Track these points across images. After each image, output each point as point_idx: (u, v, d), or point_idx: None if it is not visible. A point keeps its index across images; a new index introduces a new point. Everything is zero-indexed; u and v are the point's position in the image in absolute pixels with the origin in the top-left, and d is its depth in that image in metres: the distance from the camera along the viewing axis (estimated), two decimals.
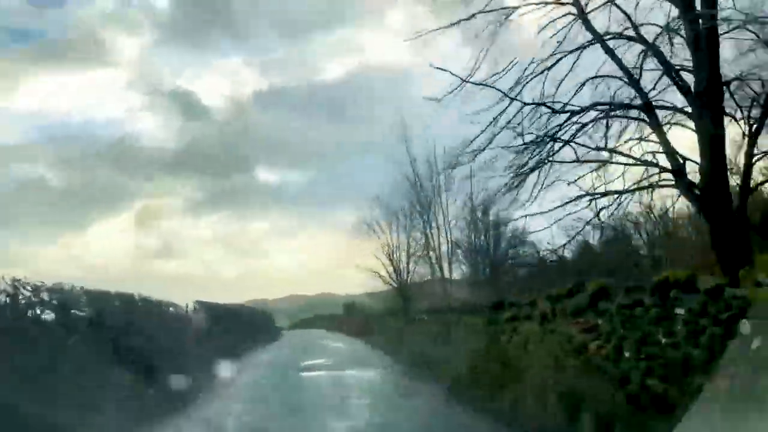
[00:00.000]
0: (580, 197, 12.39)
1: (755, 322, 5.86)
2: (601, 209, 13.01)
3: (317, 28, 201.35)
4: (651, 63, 12.03)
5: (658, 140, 12.22)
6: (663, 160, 12.21)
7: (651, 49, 11.73)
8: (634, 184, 12.72)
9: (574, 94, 12.45)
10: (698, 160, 11.65)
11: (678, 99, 12.14)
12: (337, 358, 24.40)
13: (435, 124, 33.03)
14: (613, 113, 12.63)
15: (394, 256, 35.81)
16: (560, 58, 12.35)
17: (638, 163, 12.47)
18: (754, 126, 11.73)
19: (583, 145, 12.68)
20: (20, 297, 9.56)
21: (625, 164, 12.62)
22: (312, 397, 14.44)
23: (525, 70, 12.46)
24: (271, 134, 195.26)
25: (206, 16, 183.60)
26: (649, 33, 11.89)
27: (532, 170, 12.73)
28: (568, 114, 12.51)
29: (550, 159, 12.70)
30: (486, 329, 13.26)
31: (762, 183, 13.84)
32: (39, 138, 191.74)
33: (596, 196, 12.76)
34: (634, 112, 12.56)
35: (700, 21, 11.02)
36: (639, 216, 21.51)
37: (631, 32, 11.96)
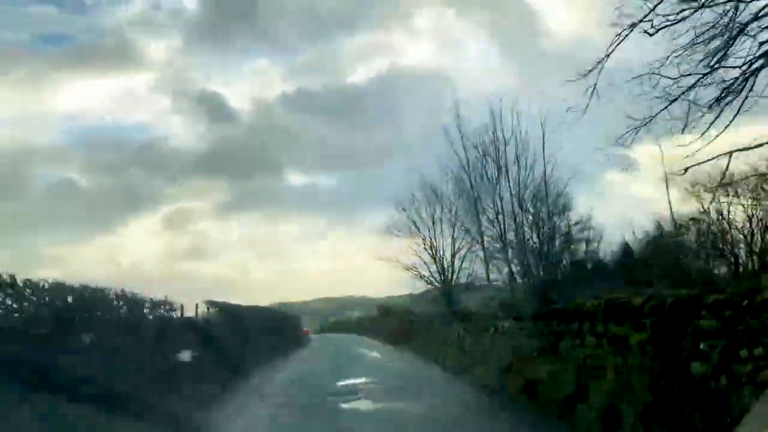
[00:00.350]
0: None
1: None
2: None
3: (344, 30, 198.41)
4: None
5: None
6: None
7: None
8: None
9: None
10: None
11: None
12: (382, 376, 18.06)
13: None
14: None
15: (438, 253, 30.99)
16: None
17: None
18: None
19: None
20: None
21: None
22: None
23: None
24: (300, 137, 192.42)
25: (234, 18, 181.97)
26: None
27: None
28: None
29: None
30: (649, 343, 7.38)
31: None
32: (70, 141, 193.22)
33: None
34: None
35: None
36: None
37: None
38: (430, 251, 31.05)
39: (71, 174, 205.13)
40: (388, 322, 43.71)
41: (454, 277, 30.73)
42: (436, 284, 31.45)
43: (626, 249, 23.37)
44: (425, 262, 31.15)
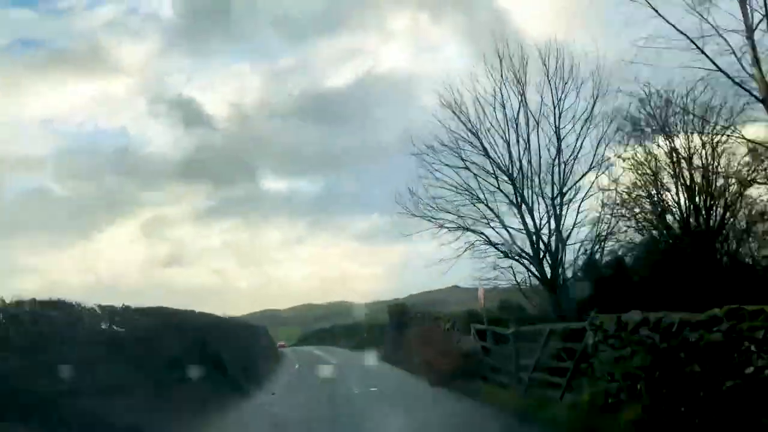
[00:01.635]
0: None
1: None
2: None
3: (322, 34, 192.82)
4: None
5: None
6: None
7: None
8: None
9: None
10: None
11: None
12: None
13: None
14: None
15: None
16: None
17: None
18: None
19: None
20: None
21: None
22: None
23: None
24: (278, 141, 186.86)
25: (211, 23, 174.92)
26: None
27: None
28: None
29: None
30: None
31: None
32: (44, 147, 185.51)
33: None
34: None
35: None
36: None
37: None
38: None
39: (46, 180, 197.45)
40: (420, 334, 24.52)
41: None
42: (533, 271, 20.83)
43: None
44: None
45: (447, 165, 21.17)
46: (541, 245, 20.33)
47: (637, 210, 21.08)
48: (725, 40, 13.39)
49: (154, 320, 15.91)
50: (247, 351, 27.40)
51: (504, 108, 20.52)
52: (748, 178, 18.59)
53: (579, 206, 20.47)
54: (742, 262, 19.72)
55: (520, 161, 20.40)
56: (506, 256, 20.82)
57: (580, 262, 20.80)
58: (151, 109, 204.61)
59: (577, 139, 20.21)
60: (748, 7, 13.26)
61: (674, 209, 20.11)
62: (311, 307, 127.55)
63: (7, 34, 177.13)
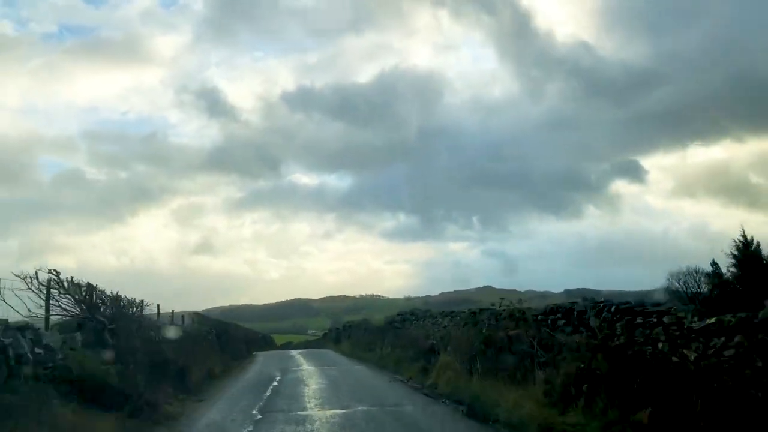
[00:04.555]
0: None
1: None
2: None
3: (349, 30, 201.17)
4: None
5: None
6: None
7: None
8: None
9: None
10: None
11: None
12: None
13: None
14: None
15: None
16: None
17: None
18: None
19: None
20: None
21: None
22: None
23: None
24: (306, 136, 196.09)
25: (242, 17, 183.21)
26: None
27: None
28: None
29: None
30: None
31: None
32: (79, 131, 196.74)
33: None
34: None
35: None
36: None
37: None
38: None
39: (82, 165, 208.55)
40: None
41: None
42: None
43: None
44: None
45: None
46: None
47: None
48: None
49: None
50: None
51: None
52: None
53: None
54: None
55: None
56: None
57: None
58: (182, 99, 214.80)
59: None
60: None
61: None
62: (343, 299, 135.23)
63: (55, 20, 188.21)
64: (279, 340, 67.30)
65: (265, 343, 49.93)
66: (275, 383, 17.13)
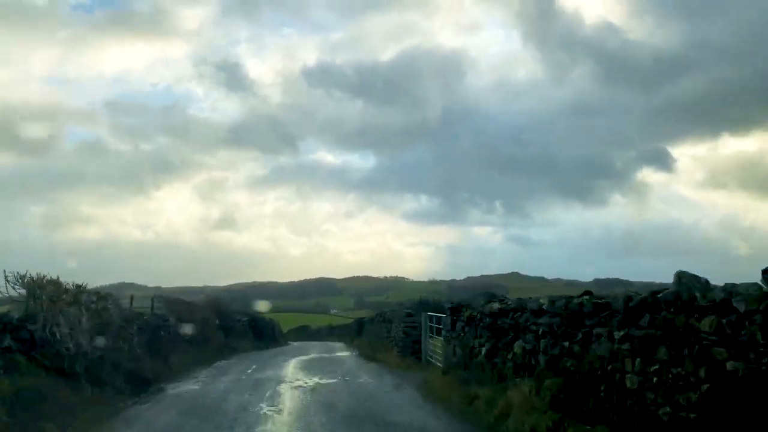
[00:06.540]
0: None
1: None
2: None
3: (372, 8, 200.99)
4: None
5: None
6: None
7: None
8: None
9: None
10: None
11: None
12: None
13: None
14: None
15: None
16: None
17: None
18: None
19: None
20: None
21: None
22: None
23: None
24: (330, 115, 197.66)
25: None
26: None
27: None
28: None
29: None
30: None
31: None
32: (103, 103, 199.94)
33: None
34: None
35: None
36: None
37: None
38: None
39: (105, 135, 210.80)
40: None
41: None
42: None
43: None
44: None
45: None
46: None
47: None
48: None
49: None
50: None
51: None
52: None
53: None
54: None
55: None
56: None
57: None
58: (206, 72, 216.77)
59: None
60: None
61: None
62: (367, 279, 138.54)
63: None
64: (295, 321, 55.15)
65: (261, 334, 30.58)
66: None
